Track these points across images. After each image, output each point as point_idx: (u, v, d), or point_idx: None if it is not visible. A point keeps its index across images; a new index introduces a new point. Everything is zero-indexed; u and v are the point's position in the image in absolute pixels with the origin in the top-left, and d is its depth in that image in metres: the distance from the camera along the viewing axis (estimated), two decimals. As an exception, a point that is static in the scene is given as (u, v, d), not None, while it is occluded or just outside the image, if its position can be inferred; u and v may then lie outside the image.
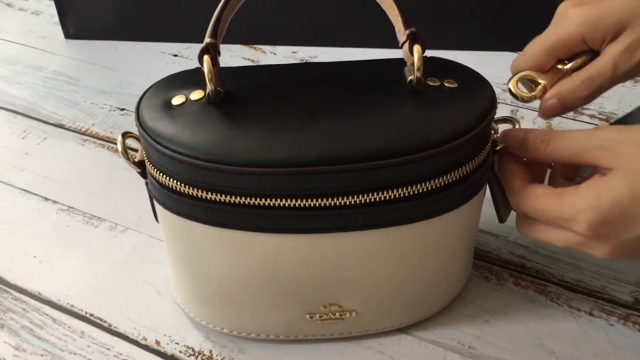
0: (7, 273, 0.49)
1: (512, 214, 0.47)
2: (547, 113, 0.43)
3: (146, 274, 0.48)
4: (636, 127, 0.37)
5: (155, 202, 0.40)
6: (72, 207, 0.54)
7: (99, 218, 0.53)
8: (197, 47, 0.78)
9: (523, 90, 0.43)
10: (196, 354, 0.43)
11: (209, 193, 0.36)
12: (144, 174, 0.40)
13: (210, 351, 0.43)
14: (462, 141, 0.36)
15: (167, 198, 0.38)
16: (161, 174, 0.37)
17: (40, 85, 0.68)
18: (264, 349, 0.43)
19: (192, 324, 0.45)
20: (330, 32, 0.71)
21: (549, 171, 0.44)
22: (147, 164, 0.39)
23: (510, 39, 0.69)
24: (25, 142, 0.61)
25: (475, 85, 0.39)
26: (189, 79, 0.40)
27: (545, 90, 0.43)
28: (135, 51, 0.72)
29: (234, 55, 0.70)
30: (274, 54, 0.71)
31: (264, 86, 0.39)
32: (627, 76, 0.42)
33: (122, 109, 0.64)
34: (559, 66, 0.43)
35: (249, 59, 0.71)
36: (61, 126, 0.63)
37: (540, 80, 0.43)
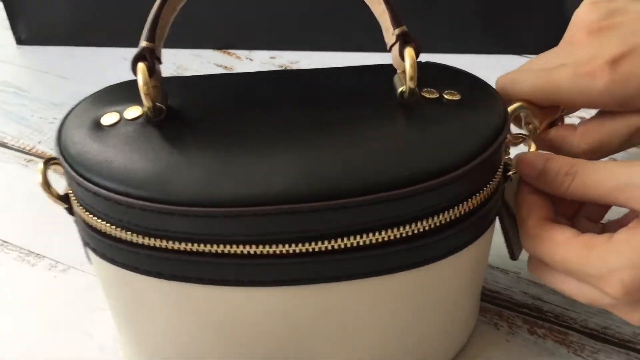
0: None
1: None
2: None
3: (89, 324, 0.40)
4: None
5: (85, 246, 0.32)
6: (6, 242, 0.46)
7: (37, 255, 0.45)
8: (164, 53, 0.68)
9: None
10: None
11: (147, 238, 0.28)
12: (71, 210, 0.32)
13: (162, 422, 0.35)
14: (467, 169, 0.28)
15: (98, 242, 0.30)
16: (88, 214, 0.30)
17: (-15, 98, 0.60)
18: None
19: (140, 389, 0.37)
20: (314, 35, 0.64)
21: None
22: (73, 199, 0.31)
23: (517, 40, 0.62)
24: (-41, 164, 0.53)
25: (483, 98, 0.32)
26: (129, 91, 0.32)
27: (536, 130, 0.35)
28: (95, 58, 0.64)
29: (204, 62, 0.63)
30: (250, 59, 0.64)
31: (220, 101, 0.32)
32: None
33: (75, 124, 0.56)
34: None
35: (222, 66, 0.63)
36: (3, 144, 0.55)
37: (535, 121, 0.35)
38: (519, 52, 0.62)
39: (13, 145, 0.55)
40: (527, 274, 0.43)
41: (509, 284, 0.42)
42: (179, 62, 0.62)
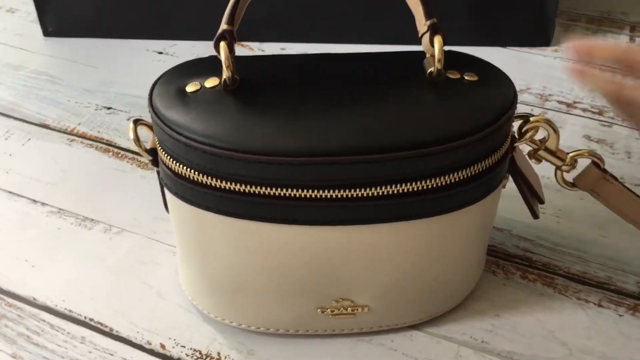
0: (-2, 278, 0.46)
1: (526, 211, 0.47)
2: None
3: (145, 276, 0.46)
4: None
5: (166, 191, 0.38)
6: (62, 209, 0.51)
7: (92, 220, 0.51)
8: (182, 45, 0.76)
9: None
10: (204, 357, 0.41)
11: (223, 181, 0.35)
12: (155, 161, 0.39)
13: (219, 353, 0.42)
14: (481, 135, 0.35)
15: (179, 186, 0.37)
16: (175, 162, 0.36)
17: (21, 85, 0.65)
18: (273, 350, 0.42)
19: (198, 327, 0.43)
20: (319, 28, 0.70)
21: None
22: (160, 152, 0.37)
23: (502, 34, 0.71)
24: (8, 143, 0.58)
25: (496, 80, 0.38)
26: (202, 66, 0.39)
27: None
28: (118, 49, 0.70)
29: (221, 54, 0.69)
30: (262, 50, 0.70)
31: (280, 75, 0.38)
32: None
33: (109, 108, 0.62)
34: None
35: (236, 58, 0.69)
36: (45, 126, 0.60)
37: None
38: (503, 44, 0.70)
39: (55, 126, 0.60)
40: (517, 231, 0.50)
41: (502, 240, 0.50)
42: (197, 53, 0.68)
